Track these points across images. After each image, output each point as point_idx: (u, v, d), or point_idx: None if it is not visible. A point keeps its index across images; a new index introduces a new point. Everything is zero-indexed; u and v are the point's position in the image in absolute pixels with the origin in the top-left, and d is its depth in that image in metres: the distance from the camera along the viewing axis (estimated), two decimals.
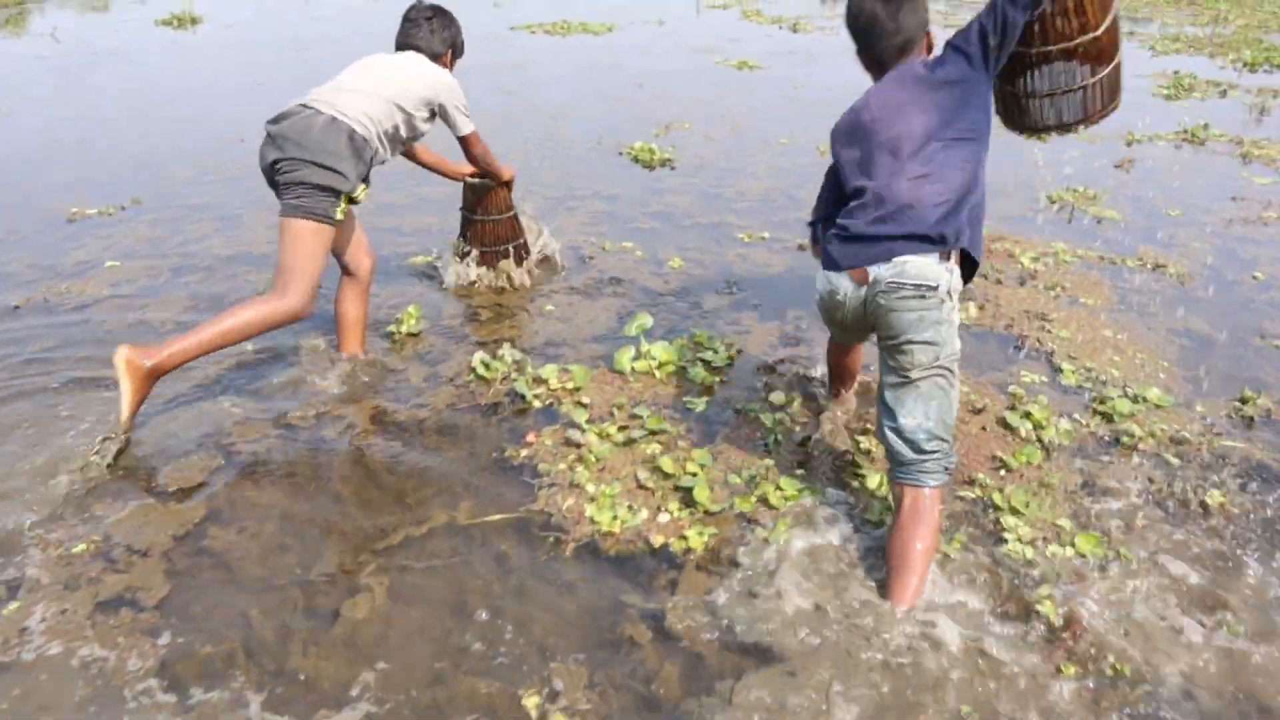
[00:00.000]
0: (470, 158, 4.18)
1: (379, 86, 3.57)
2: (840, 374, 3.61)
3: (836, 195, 3.00)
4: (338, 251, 3.77)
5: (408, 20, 3.97)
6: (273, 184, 3.46)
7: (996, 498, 3.09)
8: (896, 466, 2.66)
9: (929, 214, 2.62)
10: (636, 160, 7.05)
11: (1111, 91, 2.89)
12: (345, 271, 3.86)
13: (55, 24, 14.29)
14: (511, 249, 4.77)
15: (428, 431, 3.45)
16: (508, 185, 4.59)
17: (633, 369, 3.88)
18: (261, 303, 3.35)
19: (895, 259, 2.63)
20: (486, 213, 4.64)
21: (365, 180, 3.51)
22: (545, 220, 5.17)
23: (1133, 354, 4.11)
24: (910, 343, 2.61)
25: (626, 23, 14.57)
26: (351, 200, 3.48)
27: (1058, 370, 3.95)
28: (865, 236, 2.69)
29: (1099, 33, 2.74)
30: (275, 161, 3.38)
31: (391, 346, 4.14)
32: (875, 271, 2.66)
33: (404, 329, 4.22)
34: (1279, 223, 5.84)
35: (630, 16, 15.21)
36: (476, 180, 4.52)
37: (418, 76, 3.72)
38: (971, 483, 3.19)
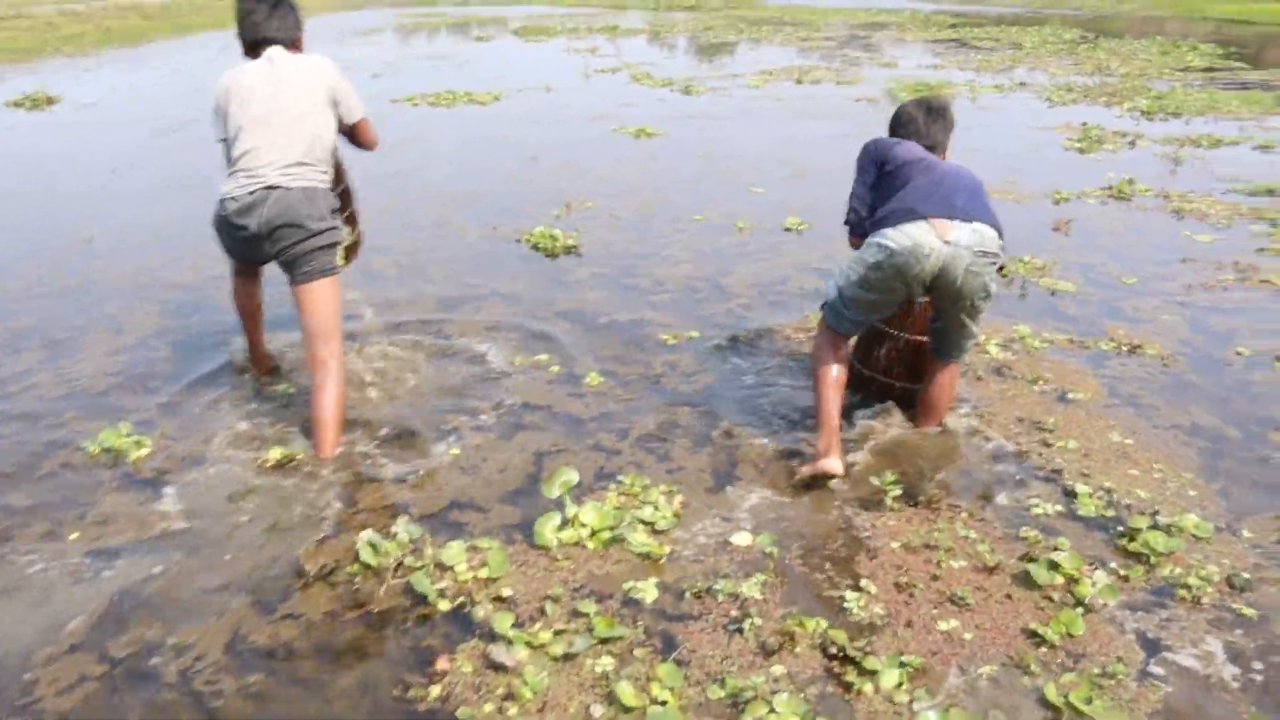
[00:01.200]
0: (366, 144, 3.87)
1: (307, 130, 3.51)
2: (827, 411, 3.43)
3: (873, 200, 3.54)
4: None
5: (249, 10, 3.58)
6: (253, 258, 3.70)
7: (1051, 693, 2.40)
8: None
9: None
10: (537, 248, 6.31)
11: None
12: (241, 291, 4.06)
13: None
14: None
15: (300, 661, 2.60)
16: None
17: (559, 541, 3.10)
18: (338, 377, 3.61)
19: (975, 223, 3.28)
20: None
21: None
22: (455, 322, 4.38)
23: (1148, 464, 3.52)
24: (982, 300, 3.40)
25: (514, 90, 13.94)
26: (347, 247, 3.83)
27: (1071, 496, 3.33)
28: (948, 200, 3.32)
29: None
30: (279, 250, 3.51)
31: (232, 500, 3.28)
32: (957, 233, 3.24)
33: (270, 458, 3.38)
34: (1238, 286, 5.43)
35: (517, 84, 14.60)
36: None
37: (316, 88, 3.56)
38: (1016, 666, 2.50)
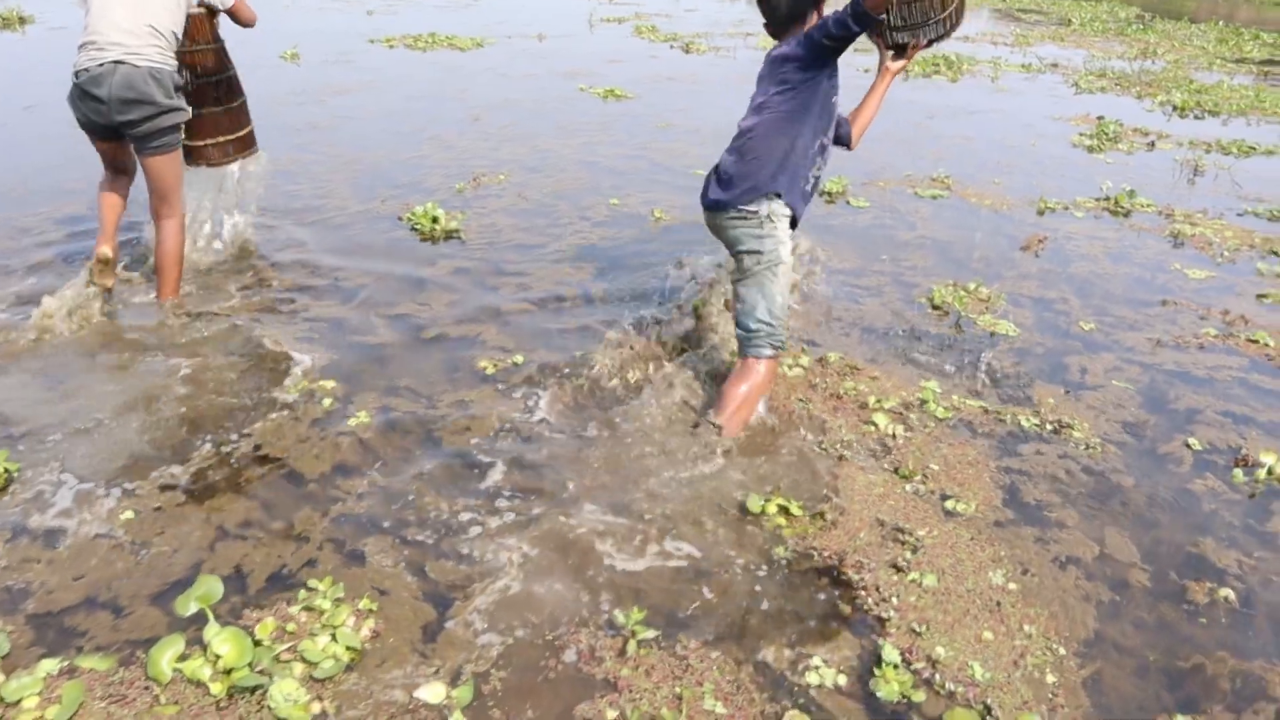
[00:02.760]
0: (246, 22, 4.34)
1: (152, 9, 3.81)
2: None
3: None
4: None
5: None
6: (105, 130, 3.92)
7: None
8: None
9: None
10: (415, 229, 5.41)
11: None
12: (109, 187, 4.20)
13: None
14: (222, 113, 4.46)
15: None
16: (211, 13, 4.26)
17: (176, 674, 2.27)
18: (178, 231, 4.13)
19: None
20: (193, 41, 4.20)
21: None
22: (264, 324, 3.58)
23: (1017, 625, 2.59)
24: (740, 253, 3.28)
25: (504, 37, 12.93)
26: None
27: (875, 666, 2.41)
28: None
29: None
30: (113, 124, 3.84)
31: None
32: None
33: None
34: (1217, 345, 4.41)
35: (514, 30, 13.59)
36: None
37: None
38: None
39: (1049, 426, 3.59)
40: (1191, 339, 4.46)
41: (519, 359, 3.91)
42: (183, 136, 4.05)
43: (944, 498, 3.12)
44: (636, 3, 17.74)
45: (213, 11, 4.21)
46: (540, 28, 13.94)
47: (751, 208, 3.22)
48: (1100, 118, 9.20)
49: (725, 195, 3.26)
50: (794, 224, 3.32)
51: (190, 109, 4.02)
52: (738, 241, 3.27)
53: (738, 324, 3.30)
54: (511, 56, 11.52)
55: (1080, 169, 7.47)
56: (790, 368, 3.92)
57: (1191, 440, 3.57)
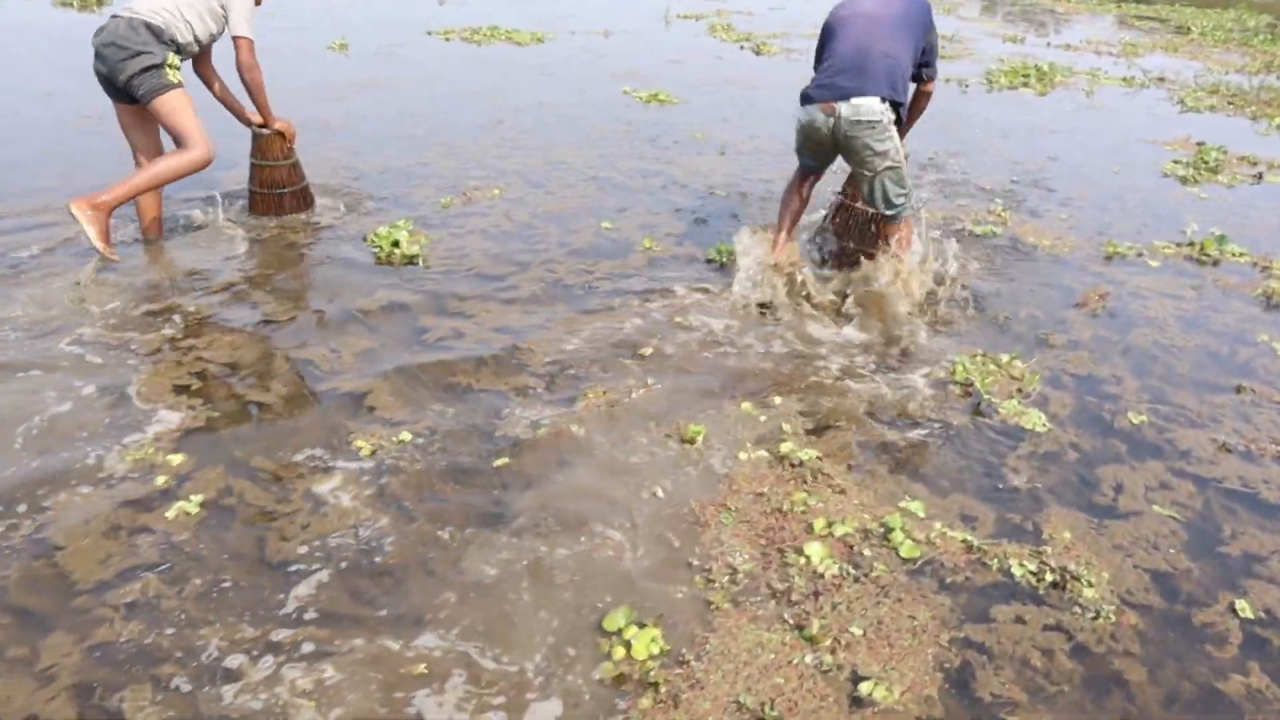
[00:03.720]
0: (238, 63, 4.35)
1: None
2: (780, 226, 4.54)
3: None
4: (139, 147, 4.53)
5: None
6: (116, 92, 4.28)
7: None
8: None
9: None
10: (377, 253, 4.76)
11: None
12: (136, 162, 4.51)
13: None
14: (288, 193, 5.12)
15: None
16: (282, 136, 4.94)
17: None
18: (175, 155, 4.26)
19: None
20: (263, 157, 4.98)
21: (176, 52, 4.26)
22: (144, 364, 2.97)
23: None
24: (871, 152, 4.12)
25: (567, 32, 12.25)
26: (172, 66, 4.21)
27: None
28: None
29: None
30: (109, 74, 4.18)
31: None
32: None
33: None
34: None
35: (581, 25, 12.90)
36: (262, 129, 4.90)
37: None
38: None
39: (1049, 577, 2.71)
40: (1269, 445, 3.50)
41: (405, 436, 3.20)
42: (171, 79, 4.18)
43: (857, 677, 2.30)
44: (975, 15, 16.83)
45: (282, 136, 4.92)
46: (610, 22, 13.22)
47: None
48: (1200, 143, 8.01)
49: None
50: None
51: (165, 55, 4.18)
52: (866, 149, 4.13)
53: (876, 201, 4.30)
54: (569, 54, 10.83)
55: (1167, 205, 6.40)
56: (746, 455, 3.13)
57: (1241, 604, 2.65)
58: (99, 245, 4.07)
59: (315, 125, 7.03)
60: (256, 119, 4.82)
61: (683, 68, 10.27)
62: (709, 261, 4.90)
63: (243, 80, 4.44)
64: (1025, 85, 10.44)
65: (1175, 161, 7.48)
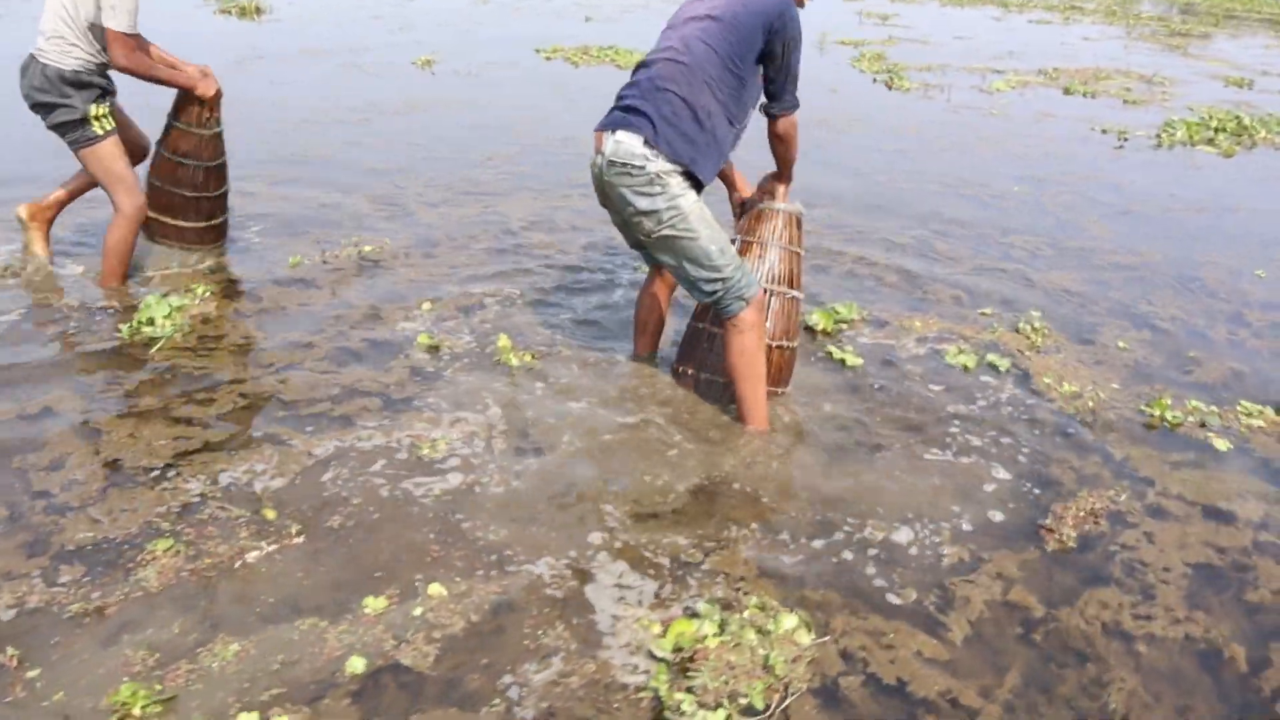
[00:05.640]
0: (113, 60, 3.75)
1: (57, 9, 3.68)
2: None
3: None
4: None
5: None
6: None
7: None
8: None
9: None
10: (129, 324, 3.78)
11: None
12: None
13: None
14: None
15: None
16: (201, 101, 4.15)
17: None
18: (114, 227, 3.99)
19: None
20: (184, 120, 4.19)
21: (99, 99, 3.81)
22: None
23: None
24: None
25: None
26: (97, 118, 3.81)
27: None
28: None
29: None
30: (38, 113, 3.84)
31: None
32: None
33: None
34: None
35: None
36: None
37: None
38: None
39: None
40: None
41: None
42: (97, 131, 3.84)
43: None
44: (910, 24, 14.93)
45: (198, 101, 4.16)
46: None
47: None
48: None
49: None
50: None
51: (87, 107, 3.80)
52: (629, 206, 3.04)
53: (692, 290, 3.13)
54: None
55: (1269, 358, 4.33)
56: None
57: None
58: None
59: (305, 157, 6.21)
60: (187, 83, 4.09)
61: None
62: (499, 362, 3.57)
63: (123, 71, 3.81)
64: (1210, 143, 8.12)
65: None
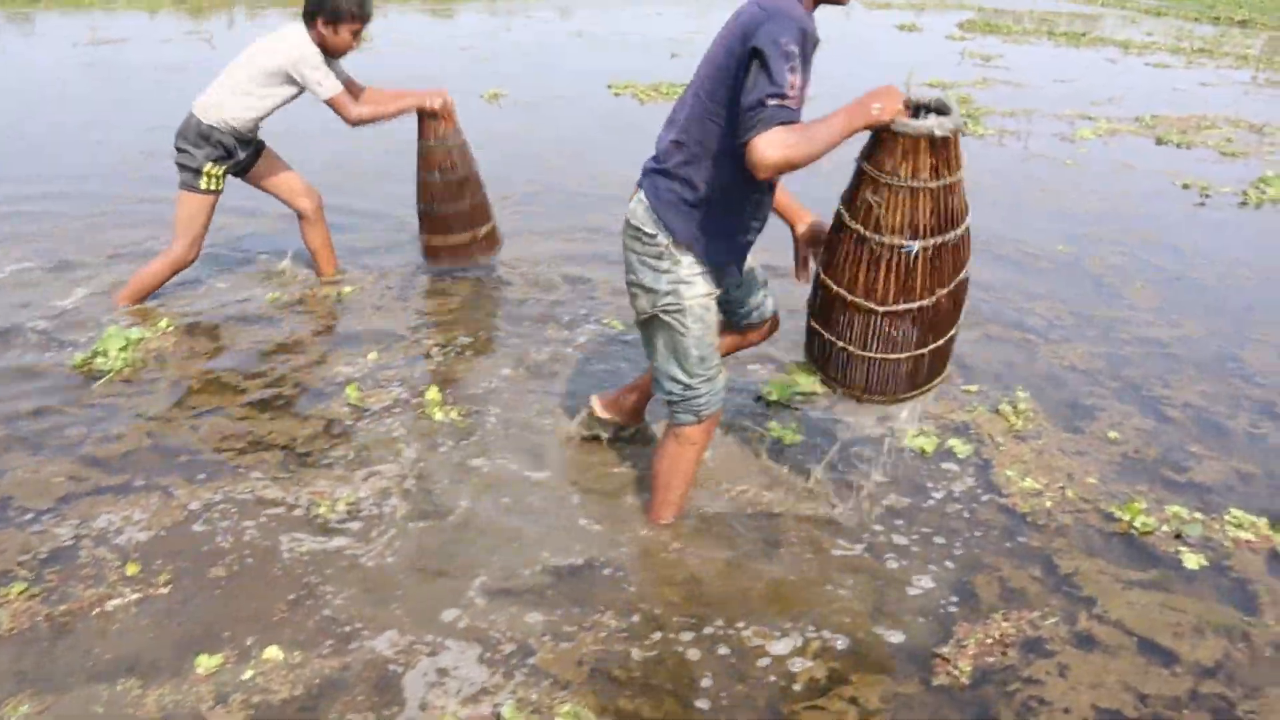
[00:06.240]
0: (347, 121, 4.13)
1: (231, 72, 4.06)
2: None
3: None
4: (281, 197, 4.53)
5: None
6: None
7: None
8: None
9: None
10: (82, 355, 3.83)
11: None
12: (298, 215, 4.56)
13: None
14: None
15: None
16: (433, 115, 4.32)
17: None
18: (159, 257, 4.31)
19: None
20: (427, 139, 4.36)
21: (219, 160, 4.12)
22: None
23: None
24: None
25: None
26: (209, 175, 4.11)
27: None
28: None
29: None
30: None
31: None
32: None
33: None
34: None
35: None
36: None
37: (264, 50, 4.00)
38: None
39: None
40: None
41: None
42: (199, 185, 4.13)
43: None
44: (1012, 64, 14.27)
45: (430, 115, 4.33)
46: (825, 85, 11.43)
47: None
48: None
49: None
50: None
51: (205, 162, 4.11)
52: (634, 282, 2.74)
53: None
54: None
55: None
56: None
57: None
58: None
59: (326, 185, 6.24)
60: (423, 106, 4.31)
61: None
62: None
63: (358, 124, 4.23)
64: None
65: None
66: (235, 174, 4.33)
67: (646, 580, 2.78)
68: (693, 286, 2.61)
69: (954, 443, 3.55)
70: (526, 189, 6.56)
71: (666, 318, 2.63)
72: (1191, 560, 2.99)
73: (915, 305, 2.55)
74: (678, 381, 2.69)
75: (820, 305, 2.71)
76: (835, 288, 2.60)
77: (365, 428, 3.48)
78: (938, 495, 3.26)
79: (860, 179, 2.47)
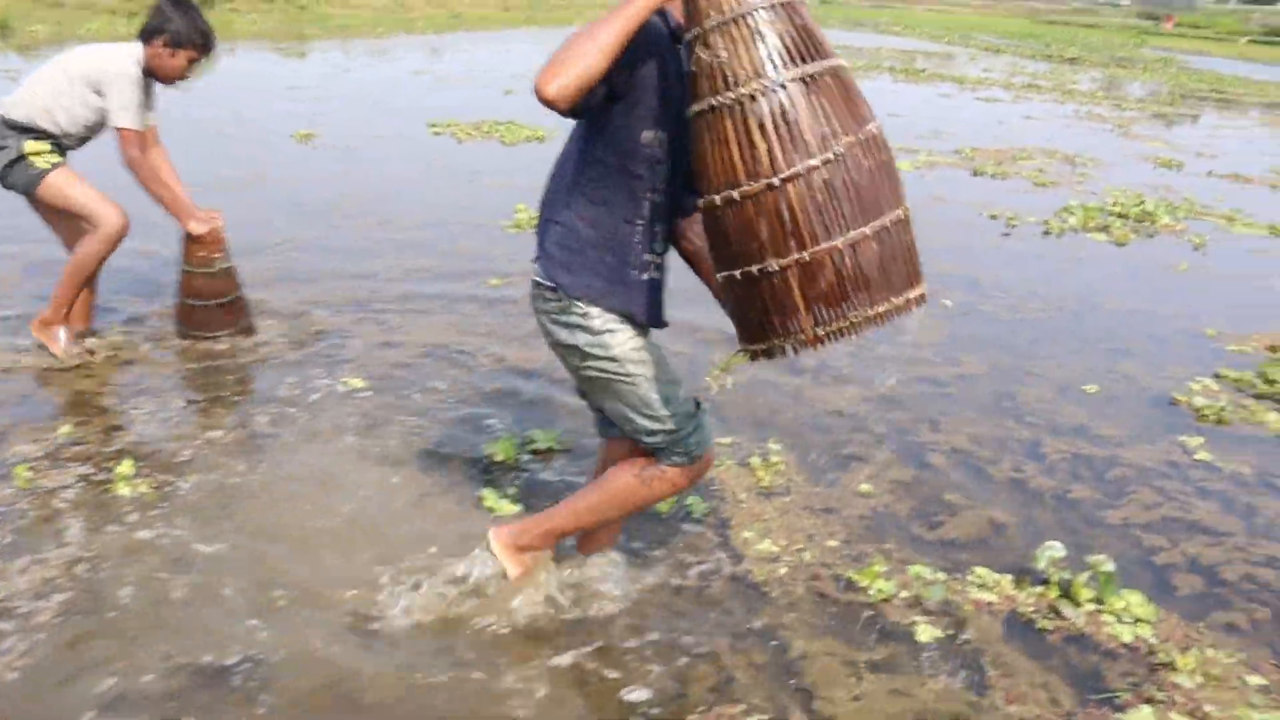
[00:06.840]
0: (123, 156, 3.74)
1: (41, 72, 3.78)
2: None
3: None
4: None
5: None
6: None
7: None
8: None
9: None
10: None
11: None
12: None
13: None
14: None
15: None
16: (200, 241, 4.00)
17: None
18: (86, 240, 3.84)
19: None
20: (190, 261, 4.05)
21: (37, 137, 3.75)
22: None
23: None
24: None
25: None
26: (36, 153, 3.74)
27: None
28: None
29: None
30: None
31: None
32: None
33: None
34: None
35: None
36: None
37: (86, 55, 3.76)
38: None
39: None
40: None
41: None
42: (40, 166, 3.77)
43: None
44: (1150, 133, 14.36)
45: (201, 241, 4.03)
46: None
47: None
48: None
49: None
50: None
51: (19, 146, 3.76)
52: (549, 337, 2.41)
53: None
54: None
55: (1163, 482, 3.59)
56: None
57: None
58: (65, 357, 3.93)
59: None
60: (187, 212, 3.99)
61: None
62: None
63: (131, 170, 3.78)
64: (1105, 230, 7.45)
65: (1195, 386, 4.52)
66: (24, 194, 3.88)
67: (288, 691, 2.31)
68: (616, 334, 2.28)
69: (692, 500, 3.20)
70: (307, 234, 6.05)
71: (603, 375, 2.31)
72: (925, 633, 2.68)
73: (818, 160, 1.87)
74: (654, 433, 2.33)
75: (715, 237, 2.02)
76: (716, 197, 1.94)
77: (25, 509, 2.94)
78: (666, 564, 2.89)
79: (690, 51, 1.94)
